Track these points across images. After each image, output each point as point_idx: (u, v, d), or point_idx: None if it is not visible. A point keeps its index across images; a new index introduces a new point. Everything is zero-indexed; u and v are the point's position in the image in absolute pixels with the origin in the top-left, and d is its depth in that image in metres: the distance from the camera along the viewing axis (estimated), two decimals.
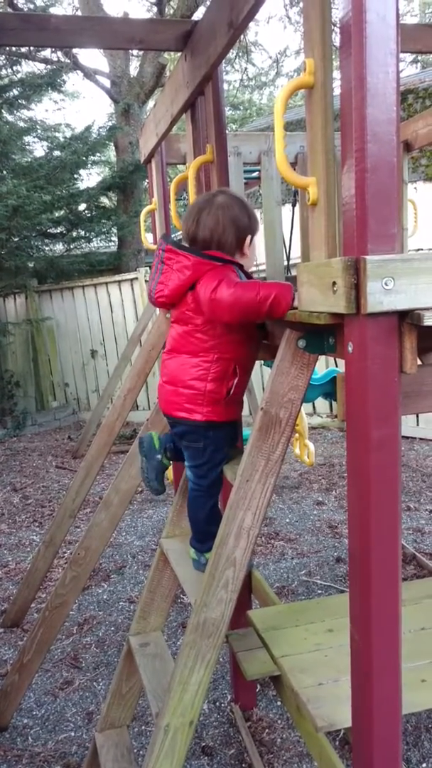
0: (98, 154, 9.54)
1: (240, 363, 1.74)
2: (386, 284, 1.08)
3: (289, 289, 1.47)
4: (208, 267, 1.63)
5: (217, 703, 2.72)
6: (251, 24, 1.84)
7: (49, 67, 9.70)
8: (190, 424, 1.76)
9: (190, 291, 1.67)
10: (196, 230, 1.72)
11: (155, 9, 10.34)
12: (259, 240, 2.03)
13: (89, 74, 10.03)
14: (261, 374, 7.37)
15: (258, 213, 2.01)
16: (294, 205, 4.19)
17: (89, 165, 9.31)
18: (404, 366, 1.15)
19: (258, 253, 2.11)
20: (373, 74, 1.04)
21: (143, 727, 2.60)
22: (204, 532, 1.88)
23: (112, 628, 3.37)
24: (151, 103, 10.34)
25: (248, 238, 1.74)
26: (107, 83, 9.98)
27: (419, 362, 1.19)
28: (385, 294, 1.08)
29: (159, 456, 1.96)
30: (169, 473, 3.70)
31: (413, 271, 1.09)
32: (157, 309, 3.73)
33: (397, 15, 1.04)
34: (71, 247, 9.20)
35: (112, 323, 8.67)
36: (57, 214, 8.63)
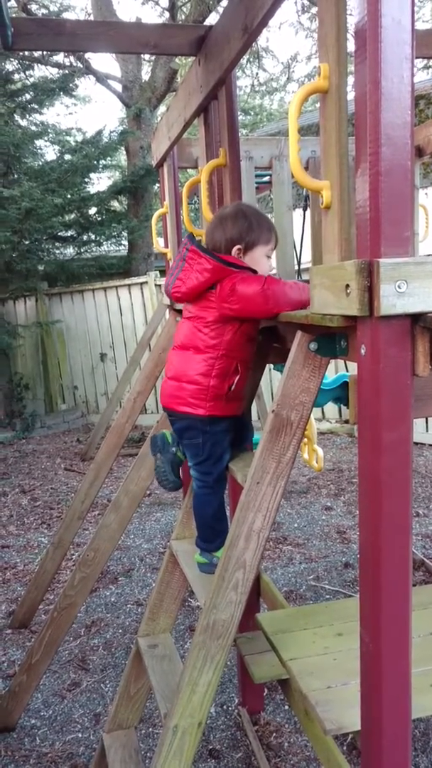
0: (109, 158, 9.58)
1: (242, 361, 1.80)
2: (399, 287, 1.08)
3: (305, 288, 1.61)
4: (227, 273, 1.70)
5: (225, 707, 2.72)
6: (263, 30, 1.86)
7: (61, 71, 9.76)
8: (191, 418, 1.80)
9: (209, 291, 1.73)
10: (210, 237, 1.81)
11: (167, 14, 10.38)
12: None
13: (101, 79, 10.08)
14: (270, 378, 7.38)
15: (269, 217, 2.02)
16: (305, 210, 4.19)
17: (100, 169, 9.35)
18: (416, 369, 1.15)
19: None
20: (388, 78, 1.04)
21: (150, 729, 2.60)
22: (211, 529, 1.90)
23: (120, 631, 3.38)
24: (162, 108, 10.38)
25: (256, 249, 1.79)
26: (119, 88, 10.02)
27: (431, 366, 1.19)
28: (398, 297, 1.08)
29: (173, 449, 2.01)
30: None
31: (426, 274, 1.09)
32: (167, 313, 3.74)
33: (413, 20, 1.05)
34: (82, 250, 9.24)
35: (121, 327, 8.69)
36: (68, 218, 8.67)
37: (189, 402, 1.79)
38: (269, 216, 2.15)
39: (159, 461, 2.04)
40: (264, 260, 1.80)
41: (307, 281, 1.41)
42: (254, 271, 1.75)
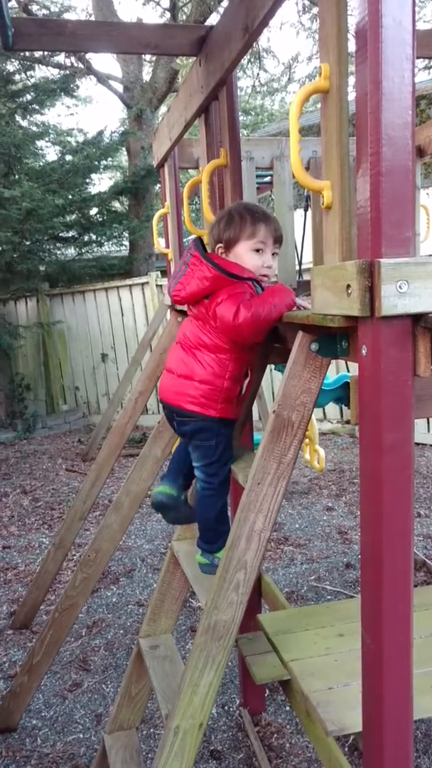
0: (110, 159, 9.58)
1: (250, 364, 1.81)
2: (400, 287, 1.08)
3: (288, 290, 1.62)
4: (226, 283, 1.68)
5: (226, 708, 2.72)
6: (264, 30, 1.86)
7: (62, 72, 9.76)
8: (205, 419, 1.77)
9: (207, 299, 1.72)
10: (208, 240, 1.82)
11: (168, 15, 10.37)
12: None
13: (102, 79, 10.07)
14: (271, 379, 7.38)
15: None
16: (306, 210, 4.19)
17: (101, 169, 9.35)
18: (417, 369, 1.15)
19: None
20: (389, 78, 1.04)
21: (152, 730, 2.60)
22: (214, 530, 1.89)
23: (121, 631, 3.38)
24: (163, 109, 10.38)
25: (238, 245, 1.74)
26: (120, 88, 10.02)
27: None
28: (400, 297, 1.08)
29: (183, 497, 1.97)
30: None
31: (428, 275, 1.09)
32: (168, 313, 3.75)
33: (414, 20, 1.05)
34: (83, 251, 9.24)
35: (122, 327, 8.70)
36: (69, 218, 8.66)
37: (201, 402, 1.76)
38: None
39: (174, 514, 1.98)
40: (249, 256, 1.73)
41: (308, 282, 1.41)
42: (257, 282, 1.72)
